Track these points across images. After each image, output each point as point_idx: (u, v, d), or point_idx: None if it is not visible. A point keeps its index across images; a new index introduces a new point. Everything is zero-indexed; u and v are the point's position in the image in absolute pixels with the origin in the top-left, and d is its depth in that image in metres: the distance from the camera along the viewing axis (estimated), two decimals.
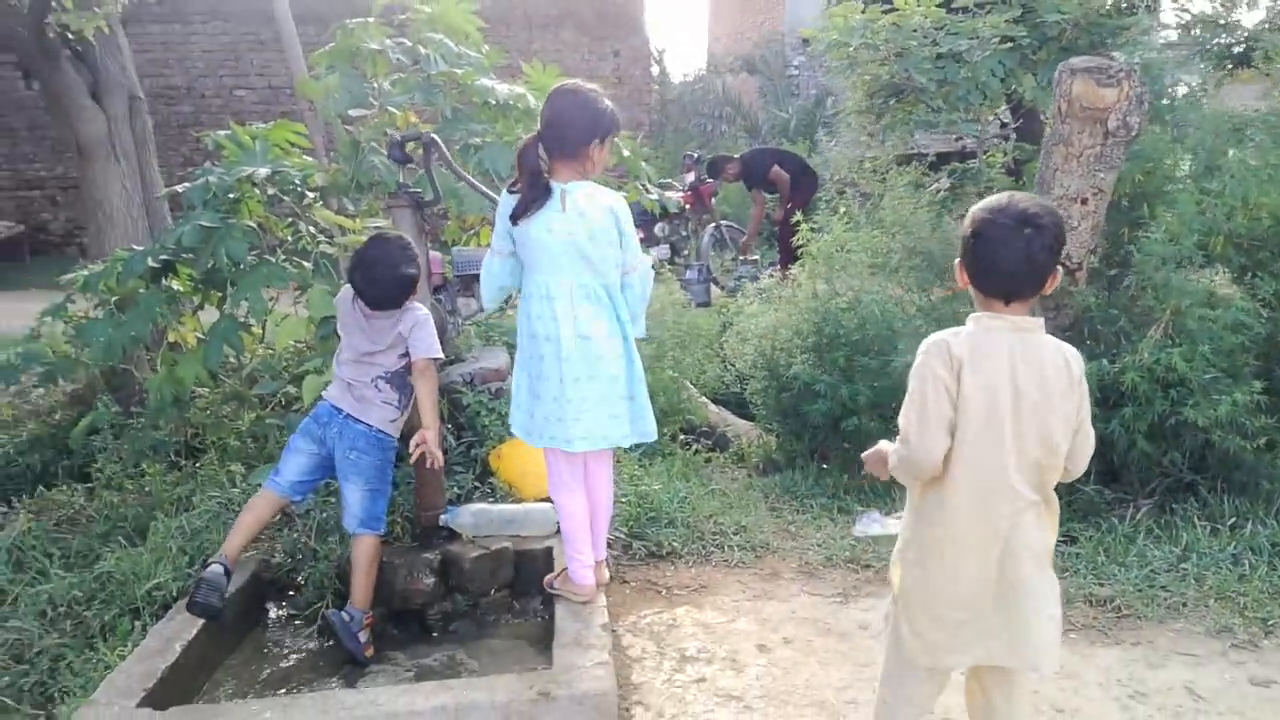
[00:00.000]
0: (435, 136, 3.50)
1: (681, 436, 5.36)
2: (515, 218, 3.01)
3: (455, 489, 3.83)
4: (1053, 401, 2.07)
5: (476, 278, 4.24)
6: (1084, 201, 4.25)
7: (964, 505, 2.11)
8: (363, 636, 3.21)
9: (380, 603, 3.46)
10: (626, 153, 5.19)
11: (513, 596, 3.57)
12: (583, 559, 3.22)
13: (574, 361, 3.03)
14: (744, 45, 18.42)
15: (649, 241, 10.00)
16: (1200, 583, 3.63)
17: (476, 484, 3.90)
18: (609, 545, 3.81)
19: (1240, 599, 3.52)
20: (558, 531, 3.70)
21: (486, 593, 3.51)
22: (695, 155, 10.89)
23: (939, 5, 5.70)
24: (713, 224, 10.26)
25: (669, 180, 11.35)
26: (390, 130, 4.16)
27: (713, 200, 10.53)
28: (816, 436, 4.97)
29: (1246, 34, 6.66)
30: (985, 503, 2.10)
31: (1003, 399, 2.06)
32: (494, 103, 4.71)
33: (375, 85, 4.75)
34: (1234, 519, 3.95)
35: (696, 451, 5.29)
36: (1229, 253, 4.48)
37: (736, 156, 10.04)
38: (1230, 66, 7.00)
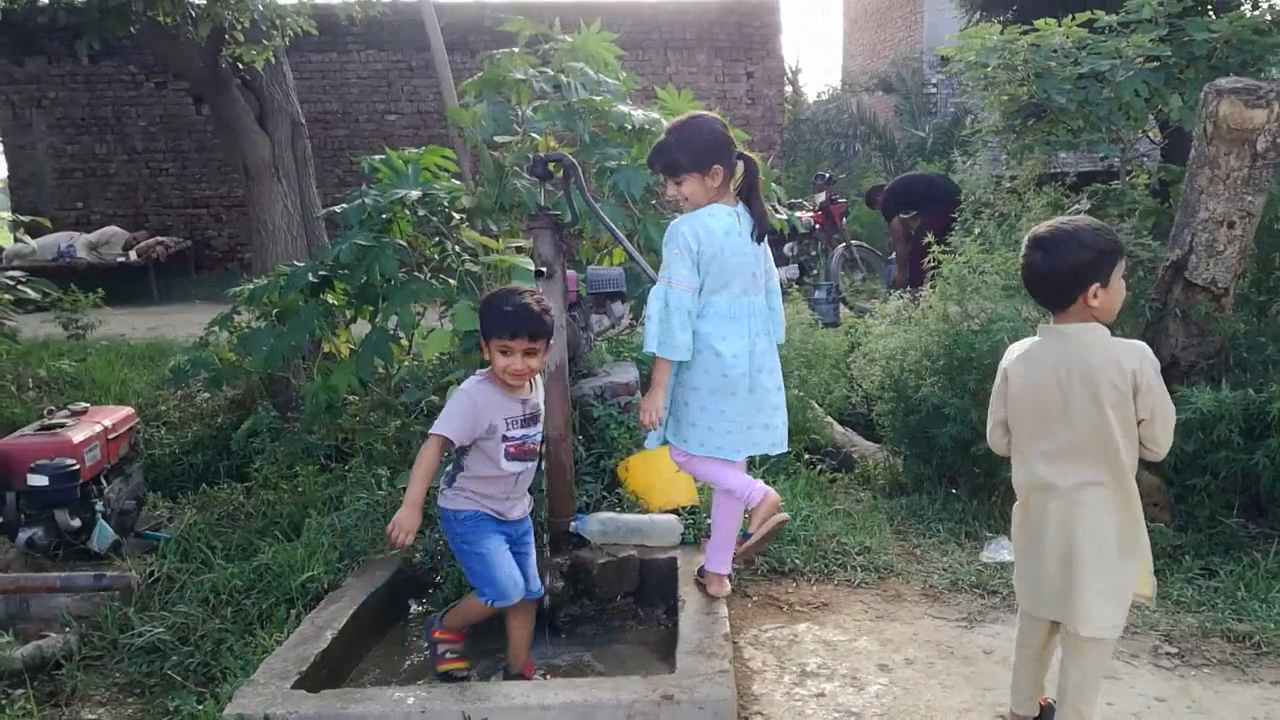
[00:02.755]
0: (574, 161, 3.68)
1: (806, 456, 5.39)
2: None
3: (584, 498, 3.99)
4: (1099, 393, 2.40)
5: (609, 295, 4.44)
6: (1231, 225, 4.13)
7: (1026, 483, 2.58)
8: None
9: None
10: None
11: (637, 603, 3.69)
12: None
13: (749, 375, 3.30)
14: (880, 63, 18.28)
15: (778, 261, 10.03)
16: None
17: (604, 494, 4.05)
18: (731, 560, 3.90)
19: None
20: (682, 542, 3.83)
21: (612, 598, 3.64)
22: (827, 175, 10.90)
23: (1080, 25, 5.59)
24: (843, 244, 10.23)
25: (799, 200, 11.39)
26: (532, 155, 4.37)
27: (843, 220, 10.50)
28: (945, 460, 4.93)
29: None
30: (1039, 482, 2.53)
31: (1047, 393, 2.47)
32: (630, 128, 4.89)
33: (519, 112, 5.00)
34: None
35: (821, 471, 5.31)
36: None
37: (885, 186, 9.96)
38: None
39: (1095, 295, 2.42)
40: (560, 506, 3.72)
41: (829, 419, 5.95)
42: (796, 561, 4.09)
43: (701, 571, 3.54)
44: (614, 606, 3.64)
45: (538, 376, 3.16)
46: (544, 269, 3.52)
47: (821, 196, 10.50)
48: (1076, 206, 5.55)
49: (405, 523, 2.86)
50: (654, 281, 3.32)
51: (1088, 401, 2.41)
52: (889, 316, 5.92)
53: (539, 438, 3.16)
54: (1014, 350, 2.59)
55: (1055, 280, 2.46)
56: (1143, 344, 2.47)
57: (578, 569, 3.64)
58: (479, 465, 3.06)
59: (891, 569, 4.14)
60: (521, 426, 3.07)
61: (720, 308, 3.26)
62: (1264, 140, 4.03)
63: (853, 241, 10.47)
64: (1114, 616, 2.48)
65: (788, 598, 3.85)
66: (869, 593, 3.94)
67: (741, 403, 3.29)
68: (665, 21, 13.56)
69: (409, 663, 3.44)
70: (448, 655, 3.16)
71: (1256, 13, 5.86)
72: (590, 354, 4.48)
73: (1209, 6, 6.30)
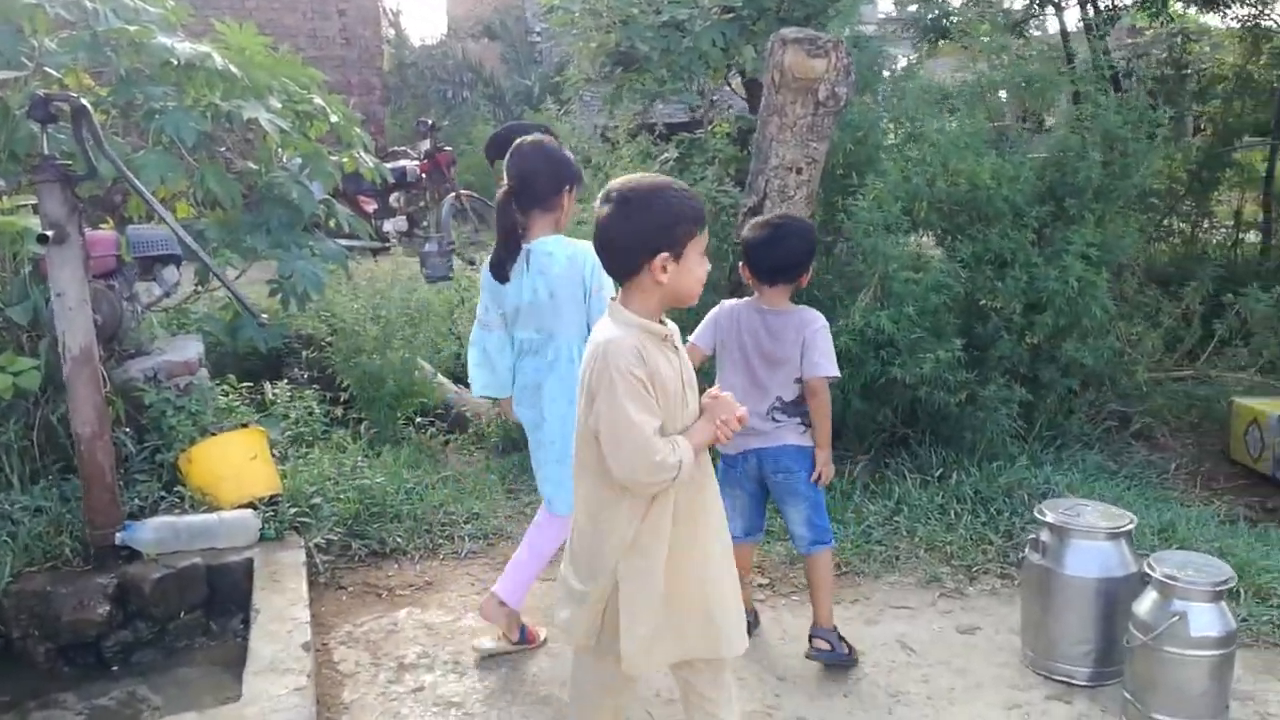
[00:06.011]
0: (85, 103, 3.04)
1: (417, 420, 5.09)
2: (502, 279, 2.96)
3: (137, 501, 3.38)
4: None
5: (157, 259, 3.82)
6: (799, 171, 4.31)
7: None
8: (844, 648, 3.00)
9: (46, 638, 3.02)
10: (335, 118, 4.82)
11: (208, 617, 3.20)
12: None
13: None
14: (484, 10, 17.97)
15: (384, 213, 9.54)
16: (912, 535, 3.80)
17: (164, 493, 3.46)
18: (323, 549, 3.53)
19: (947, 548, 3.71)
20: (261, 538, 3.38)
21: (175, 616, 3.12)
22: (429, 122, 10.50)
23: None
24: (453, 194, 9.89)
25: (405, 148, 10.90)
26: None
27: (452, 169, 10.17)
28: None
29: (950, 10, 7.07)
30: None
31: None
32: (176, 63, 4.22)
33: (35, 44, 4.15)
34: (941, 469, 4.16)
35: (432, 435, 5.04)
36: (932, 218, 4.71)
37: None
38: (934, 39, 7.45)
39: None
40: (101, 517, 3.13)
41: (441, 378, 5.68)
42: (399, 540, 3.80)
43: None
44: (177, 625, 3.13)
45: None
46: (51, 232, 2.88)
47: (426, 144, 10.08)
48: (665, 155, 5.66)
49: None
50: (190, 247, 2.81)
51: None
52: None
53: None
54: None
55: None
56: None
57: (128, 588, 3.09)
58: None
59: (502, 533, 3.98)
60: None
61: (516, 344, 3.07)
62: (824, 89, 4.21)
63: (463, 191, 10.16)
64: None
65: (388, 582, 3.55)
66: (477, 563, 3.74)
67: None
68: None
69: None
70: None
71: None
72: (138, 329, 3.83)
73: None
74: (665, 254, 1.98)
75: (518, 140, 3.02)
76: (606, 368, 1.93)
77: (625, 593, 1.97)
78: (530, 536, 3.10)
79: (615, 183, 2.08)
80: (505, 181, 2.96)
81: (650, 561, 1.97)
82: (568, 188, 3.01)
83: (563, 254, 2.93)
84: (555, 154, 3.02)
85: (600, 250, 2.08)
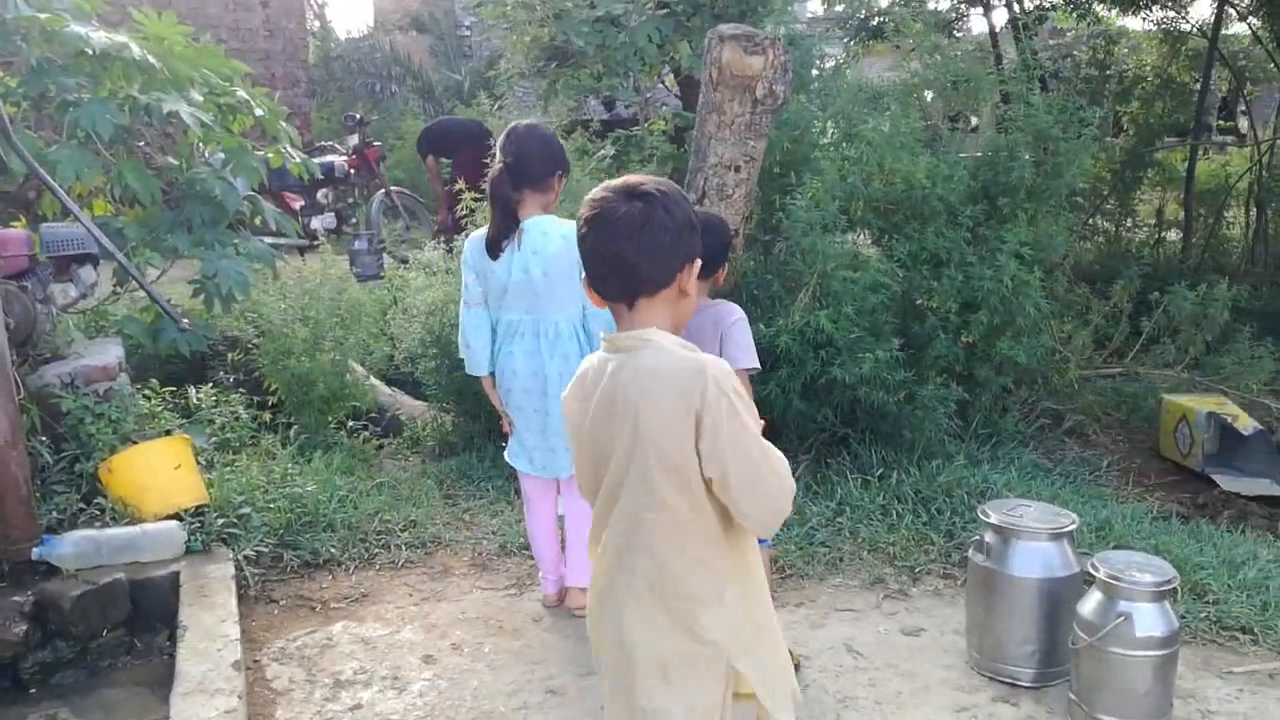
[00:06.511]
0: None
1: (350, 424, 4.94)
2: (495, 253, 3.03)
3: (55, 514, 3.22)
4: None
5: (73, 259, 3.65)
6: (737, 170, 4.28)
7: None
8: None
9: None
10: (260, 111, 4.66)
11: (131, 634, 3.07)
12: (542, 573, 3.36)
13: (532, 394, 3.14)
14: (412, 2, 17.66)
15: (312, 209, 9.30)
16: (855, 536, 3.80)
17: (82, 505, 3.30)
18: (252, 561, 3.40)
19: (890, 549, 3.72)
20: (187, 551, 3.25)
21: (97, 634, 2.99)
22: (357, 116, 10.25)
23: None
24: (382, 190, 9.68)
25: (332, 143, 10.63)
26: None
27: (381, 165, 9.95)
28: (492, 415, 4.73)
29: (880, 10, 7.14)
30: None
31: None
32: (92, 53, 4.04)
33: None
34: (881, 469, 4.18)
35: (366, 440, 4.90)
36: (868, 216, 4.72)
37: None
38: (866, 39, 7.50)
39: None
40: (17, 531, 2.97)
41: (373, 381, 5.54)
42: (332, 550, 3.68)
43: None
44: (100, 644, 2.99)
45: None
46: None
47: (354, 139, 9.84)
48: (602, 152, 5.60)
49: None
50: (106, 246, 2.69)
51: None
52: (427, 267, 5.61)
53: None
54: None
55: None
56: None
57: (46, 606, 2.94)
58: None
59: (439, 540, 3.89)
60: None
61: (500, 327, 3.15)
62: (762, 86, 4.19)
63: (393, 187, 9.95)
64: None
65: (322, 595, 3.44)
66: (415, 572, 3.65)
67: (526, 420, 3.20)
68: None
69: None
70: None
71: None
72: (53, 332, 3.64)
73: None
74: (697, 258, 1.67)
75: (512, 124, 3.15)
76: (721, 393, 1.56)
77: (755, 679, 1.70)
78: (570, 511, 3.20)
79: (626, 179, 1.67)
80: (500, 159, 3.02)
81: (764, 625, 1.74)
82: (559, 173, 3.11)
83: (557, 232, 3.01)
84: (550, 139, 3.15)
85: (632, 254, 1.61)
